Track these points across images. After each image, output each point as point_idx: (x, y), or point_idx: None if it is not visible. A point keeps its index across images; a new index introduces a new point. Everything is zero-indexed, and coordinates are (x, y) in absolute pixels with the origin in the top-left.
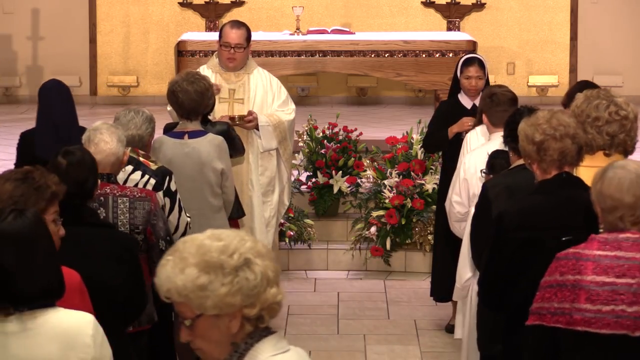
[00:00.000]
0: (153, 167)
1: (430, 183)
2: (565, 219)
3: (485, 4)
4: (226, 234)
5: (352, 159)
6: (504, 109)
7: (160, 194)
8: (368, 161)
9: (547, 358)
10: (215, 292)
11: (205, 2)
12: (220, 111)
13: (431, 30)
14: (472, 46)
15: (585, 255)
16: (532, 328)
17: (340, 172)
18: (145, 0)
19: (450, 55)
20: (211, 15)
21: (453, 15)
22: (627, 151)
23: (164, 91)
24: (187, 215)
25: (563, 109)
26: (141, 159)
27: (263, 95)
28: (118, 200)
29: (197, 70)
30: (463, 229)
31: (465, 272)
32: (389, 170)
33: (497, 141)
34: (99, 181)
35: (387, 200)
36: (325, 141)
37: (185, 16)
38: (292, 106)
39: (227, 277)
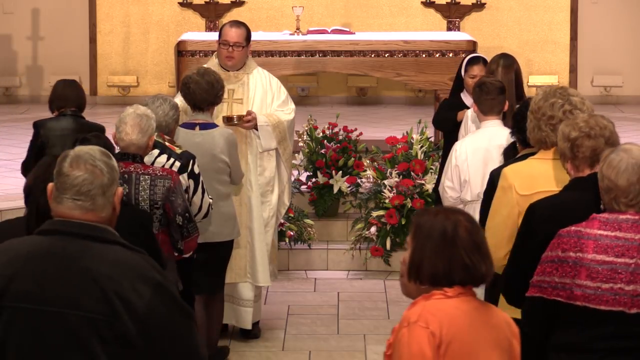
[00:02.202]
0: (178, 151)
1: (430, 183)
2: None
3: (485, 4)
4: None
5: (352, 159)
6: (492, 97)
7: (185, 175)
8: (368, 161)
9: (545, 328)
10: None
11: (205, 2)
12: (219, 111)
13: (431, 30)
14: (472, 46)
15: (586, 234)
16: (533, 299)
17: (340, 172)
18: (145, 0)
19: (450, 55)
20: (211, 15)
21: (453, 15)
22: None
23: (164, 91)
24: (210, 197)
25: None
26: (167, 143)
27: (262, 95)
28: (140, 178)
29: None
30: None
31: None
32: (389, 170)
33: (487, 129)
34: (122, 162)
35: (387, 200)
36: (325, 141)
37: (185, 16)
38: (292, 106)
39: None
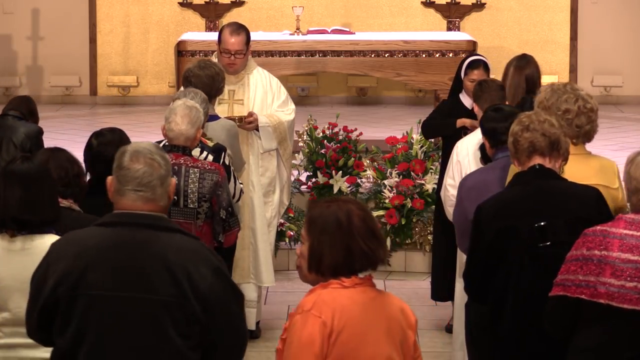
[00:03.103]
0: (210, 144)
1: (430, 183)
2: (539, 207)
3: (485, 4)
4: None
5: (352, 159)
6: (493, 95)
7: None
8: (368, 161)
9: (567, 327)
10: None
11: (205, 2)
12: (220, 112)
13: (431, 30)
14: (472, 46)
15: (612, 233)
16: (556, 298)
17: (340, 172)
18: (145, 0)
19: (450, 55)
20: (211, 15)
21: (453, 15)
22: (589, 140)
23: (164, 91)
24: (240, 182)
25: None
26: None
27: (263, 96)
28: (190, 171)
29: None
30: None
31: None
32: (389, 170)
33: None
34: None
35: (387, 200)
36: (325, 141)
37: (185, 16)
38: (292, 106)
39: None
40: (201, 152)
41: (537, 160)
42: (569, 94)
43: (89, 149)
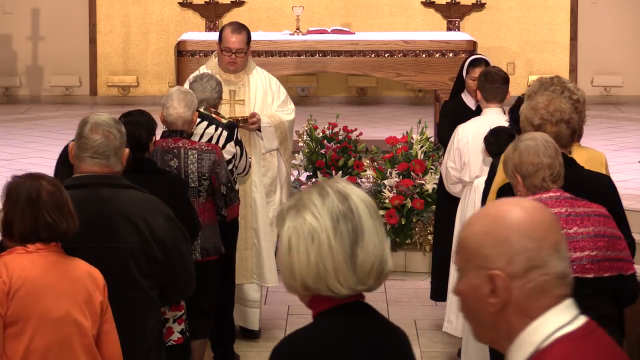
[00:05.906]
0: (223, 121)
1: (430, 183)
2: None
3: (485, 4)
4: None
5: (352, 159)
6: (497, 86)
7: (232, 143)
8: (368, 161)
9: None
10: None
11: (205, 2)
12: (221, 112)
13: (431, 30)
14: (472, 46)
15: None
16: None
17: (340, 172)
18: (145, 0)
19: (450, 55)
20: (211, 15)
21: (453, 15)
22: (576, 130)
23: (164, 91)
24: (249, 157)
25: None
26: (213, 115)
27: (263, 96)
28: (188, 153)
29: (197, 70)
30: (459, 191)
31: None
32: (389, 170)
33: (488, 116)
34: (157, 138)
35: (387, 200)
36: (325, 141)
37: (185, 16)
38: (292, 106)
39: None
40: (216, 129)
41: (560, 151)
42: (555, 86)
43: None
